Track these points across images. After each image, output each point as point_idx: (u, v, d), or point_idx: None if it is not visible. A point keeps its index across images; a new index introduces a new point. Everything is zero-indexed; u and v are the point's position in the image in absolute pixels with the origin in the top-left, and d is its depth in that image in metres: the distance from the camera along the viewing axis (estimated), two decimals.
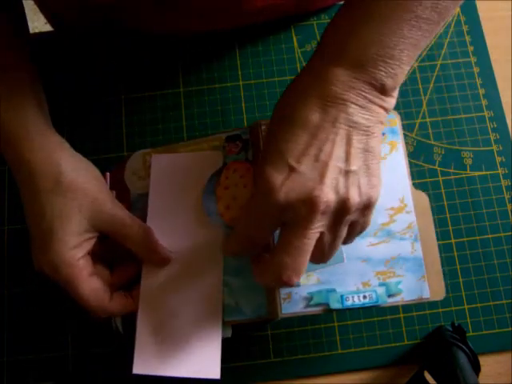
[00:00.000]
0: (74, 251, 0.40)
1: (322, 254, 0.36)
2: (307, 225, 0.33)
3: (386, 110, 0.35)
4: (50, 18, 0.66)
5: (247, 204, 0.36)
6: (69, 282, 0.39)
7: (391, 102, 0.35)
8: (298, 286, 0.41)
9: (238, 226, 0.37)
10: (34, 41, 0.47)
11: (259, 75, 0.55)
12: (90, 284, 0.40)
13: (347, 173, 0.34)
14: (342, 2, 0.58)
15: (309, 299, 0.41)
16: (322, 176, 0.33)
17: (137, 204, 0.47)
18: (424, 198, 0.45)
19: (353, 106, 0.34)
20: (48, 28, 0.69)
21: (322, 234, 0.34)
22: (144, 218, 0.46)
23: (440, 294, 0.43)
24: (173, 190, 0.46)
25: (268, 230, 0.36)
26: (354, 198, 0.34)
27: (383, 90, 0.34)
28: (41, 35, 0.59)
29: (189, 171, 0.46)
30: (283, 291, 0.41)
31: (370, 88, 0.34)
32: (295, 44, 0.56)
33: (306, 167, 0.33)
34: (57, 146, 0.42)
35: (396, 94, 0.36)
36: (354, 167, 0.34)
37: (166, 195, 0.46)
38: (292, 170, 0.33)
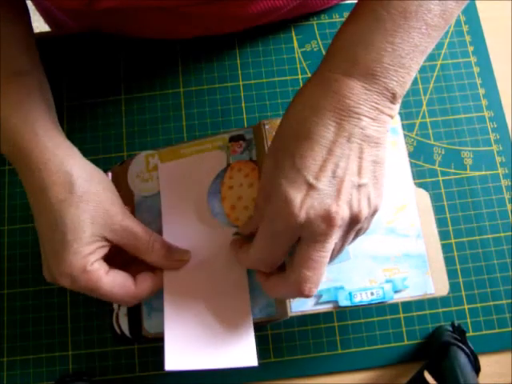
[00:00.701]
0: (88, 258, 0.40)
1: (333, 255, 0.37)
2: (325, 239, 0.34)
3: (392, 118, 0.36)
4: (49, 22, 0.66)
5: (265, 228, 0.36)
6: (89, 286, 0.40)
7: (397, 109, 0.36)
8: None
9: (253, 250, 0.37)
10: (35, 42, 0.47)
11: (259, 75, 0.55)
12: (111, 278, 0.40)
13: (359, 186, 0.34)
14: (343, 2, 0.58)
15: (318, 297, 0.41)
16: (338, 192, 0.34)
17: (141, 206, 0.47)
18: (425, 195, 0.45)
19: (365, 119, 0.34)
20: (48, 28, 0.69)
21: (334, 244, 0.35)
22: (149, 220, 0.46)
23: (444, 289, 0.43)
24: (182, 194, 0.46)
25: (286, 248, 0.36)
26: (365, 210, 0.35)
27: (393, 99, 0.35)
28: (41, 35, 0.59)
29: (195, 174, 0.46)
30: None
31: (382, 98, 0.34)
32: (295, 44, 0.56)
33: (324, 184, 0.34)
34: (68, 153, 0.42)
35: (400, 100, 0.36)
36: (365, 180, 0.35)
37: (176, 201, 0.46)
38: (311, 187, 0.34)
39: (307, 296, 0.36)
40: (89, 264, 0.39)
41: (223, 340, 0.41)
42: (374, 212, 0.36)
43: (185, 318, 0.42)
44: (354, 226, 0.35)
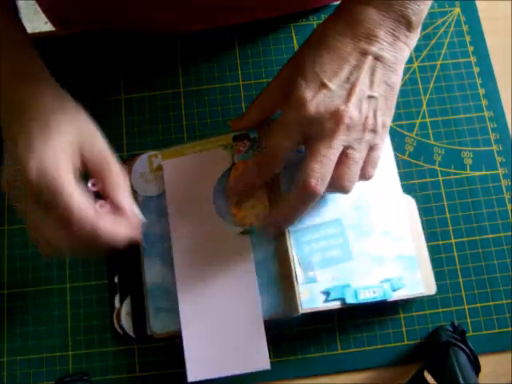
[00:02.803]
0: (62, 154, 0.37)
1: (348, 171, 0.39)
2: (333, 135, 0.38)
3: (409, 48, 0.40)
4: (50, 17, 0.66)
5: (279, 118, 0.40)
6: (51, 190, 0.35)
7: (414, 39, 0.40)
8: (315, 281, 0.43)
9: (270, 135, 0.40)
10: (34, 41, 0.47)
11: (259, 75, 0.55)
12: (80, 195, 0.37)
13: (370, 97, 0.39)
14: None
15: (327, 294, 0.43)
16: (349, 95, 0.38)
17: (145, 206, 0.47)
18: (412, 201, 0.49)
19: (382, 42, 0.39)
20: (48, 28, 0.69)
21: (346, 148, 0.39)
22: (153, 221, 0.46)
23: (432, 288, 0.47)
24: (188, 193, 0.46)
25: (295, 139, 0.39)
26: (372, 119, 0.39)
27: (409, 27, 0.39)
28: (41, 35, 0.59)
29: (199, 172, 0.46)
30: (301, 287, 0.42)
31: (398, 25, 0.39)
32: (295, 44, 0.56)
33: (336, 86, 0.38)
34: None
35: (419, 31, 0.41)
36: (375, 94, 0.39)
37: (182, 199, 0.46)
38: (324, 86, 0.38)
39: (313, 190, 0.38)
40: (62, 162, 0.36)
41: (237, 346, 0.42)
42: (383, 128, 0.40)
43: (200, 327, 0.43)
44: (364, 131, 0.39)
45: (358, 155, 0.39)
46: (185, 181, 0.46)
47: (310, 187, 0.38)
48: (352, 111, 0.38)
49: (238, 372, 0.42)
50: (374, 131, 0.39)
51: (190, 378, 0.42)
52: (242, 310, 0.43)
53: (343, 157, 0.39)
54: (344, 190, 0.40)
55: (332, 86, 0.38)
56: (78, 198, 0.36)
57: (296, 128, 0.39)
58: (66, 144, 0.38)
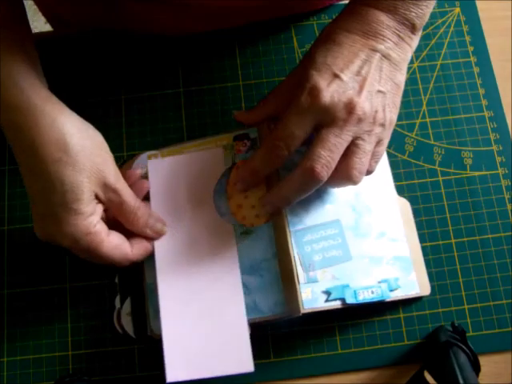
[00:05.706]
0: (90, 219, 0.41)
1: (358, 160, 0.40)
2: (344, 125, 0.39)
3: (411, 49, 0.42)
4: (49, 18, 0.66)
5: (292, 107, 0.40)
6: (90, 248, 0.41)
7: (416, 40, 0.42)
8: (316, 281, 0.43)
9: (282, 123, 0.40)
10: (34, 41, 0.47)
11: (259, 75, 0.55)
12: (111, 242, 0.42)
13: (379, 92, 0.40)
14: (340, 2, 0.58)
15: (327, 294, 0.43)
16: (361, 88, 0.39)
17: None
18: (406, 204, 0.49)
19: (388, 41, 0.40)
20: (48, 28, 0.69)
21: (355, 139, 0.39)
22: None
23: (426, 288, 0.48)
24: (176, 191, 0.46)
25: (307, 127, 0.39)
26: (381, 114, 0.40)
27: (413, 30, 0.41)
28: (41, 35, 0.59)
29: (190, 172, 0.46)
30: (303, 287, 0.42)
31: (403, 27, 0.41)
32: (295, 44, 0.56)
33: (348, 77, 0.39)
34: (58, 109, 0.41)
35: (420, 33, 0.43)
36: (384, 89, 0.40)
37: (169, 198, 0.46)
38: (336, 76, 0.39)
39: (317, 176, 0.38)
40: (92, 226, 0.40)
41: (220, 348, 0.42)
42: (390, 123, 0.41)
43: (182, 328, 0.43)
44: (374, 124, 0.39)
45: (368, 146, 0.40)
46: (174, 180, 0.46)
47: (315, 173, 0.38)
48: (364, 103, 0.39)
49: (220, 374, 0.41)
50: (382, 125, 0.40)
51: (169, 378, 0.41)
52: (226, 310, 0.43)
53: (353, 147, 0.40)
54: (353, 180, 0.40)
55: (344, 77, 0.39)
56: (113, 250, 0.42)
57: (309, 116, 0.39)
58: (88, 205, 0.41)
